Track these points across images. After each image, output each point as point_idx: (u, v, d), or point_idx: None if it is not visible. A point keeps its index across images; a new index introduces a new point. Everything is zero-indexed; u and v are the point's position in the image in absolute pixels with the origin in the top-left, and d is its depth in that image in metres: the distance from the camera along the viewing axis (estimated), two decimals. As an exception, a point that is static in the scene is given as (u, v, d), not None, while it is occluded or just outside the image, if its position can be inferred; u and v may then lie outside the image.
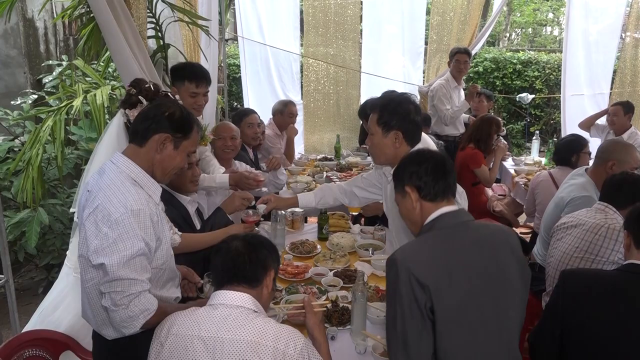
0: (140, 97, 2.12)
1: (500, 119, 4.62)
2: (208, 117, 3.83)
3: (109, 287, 1.61)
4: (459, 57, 5.06)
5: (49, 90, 4.53)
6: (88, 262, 1.65)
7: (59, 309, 2.35)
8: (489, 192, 4.65)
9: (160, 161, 1.75)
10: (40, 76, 4.85)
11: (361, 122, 4.74)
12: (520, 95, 7.04)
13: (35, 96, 4.45)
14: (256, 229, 2.47)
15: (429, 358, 1.47)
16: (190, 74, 2.84)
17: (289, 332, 1.47)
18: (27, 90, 4.65)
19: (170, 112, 1.75)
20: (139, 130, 1.76)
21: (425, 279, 1.44)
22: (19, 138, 4.08)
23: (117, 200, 1.63)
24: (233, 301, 1.52)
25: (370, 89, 5.89)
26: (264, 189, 3.00)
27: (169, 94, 2.23)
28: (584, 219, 2.53)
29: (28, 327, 2.35)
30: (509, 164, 5.19)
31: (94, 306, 1.73)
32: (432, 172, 1.64)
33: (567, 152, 3.70)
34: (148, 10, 3.22)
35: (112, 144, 2.24)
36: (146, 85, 2.18)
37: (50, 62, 4.98)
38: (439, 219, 1.62)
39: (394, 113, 2.17)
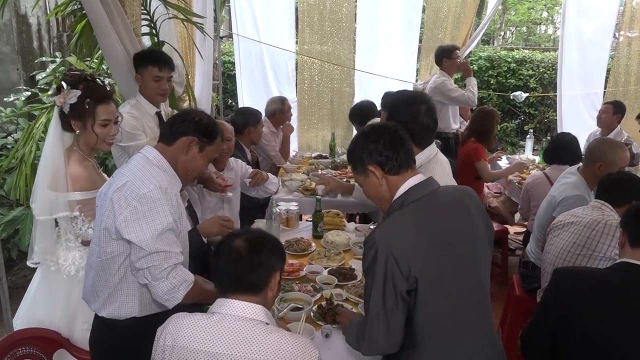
0: (62, 82, 2.19)
1: (497, 111, 4.65)
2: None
3: (145, 262, 1.68)
4: (458, 53, 4.97)
5: (42, 87, 4.52)
6: (114, 233, 1.72)
7: (35, 305, 2.35)
8: (485, 189, 4.67)
9: (184, 162, 1.86)
10: (34, 73, 4.83)
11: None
12: (514, 93, 7.06)
13: (29, 93, 4.42)
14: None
15: (403, 326, 1.51)
16: (153, 58, 2.88)
17: (304, 348, 1.43)
18: (20, 87, 4.63)
19: (199, 118, 1.90)
20: (167, 131, 1.88)
21: (406, 259, 1.46)
22: (12, 135, 4.06)
23: (146, 178, 1.73)
24: (243, 313, 1.46)
25: (364, 87, 5.89)
26: (229, 194, 2.98)
27: (97, 79, 2.26)
28: (580, 216, 2.55)
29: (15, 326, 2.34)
30: (503, 162, 5.20)
31: (106, 280, 1.79)
32: (390, 145, 1.61)
33: (567, 153, 3.65)
34: (142, 8, 3.21)
35: (52, 131, 2.29)
36: (73, 72, 2.26)
37: (44, 58, 4.96)
38: (409, 193, 1.60)
39: (402, 113, 2.09)
